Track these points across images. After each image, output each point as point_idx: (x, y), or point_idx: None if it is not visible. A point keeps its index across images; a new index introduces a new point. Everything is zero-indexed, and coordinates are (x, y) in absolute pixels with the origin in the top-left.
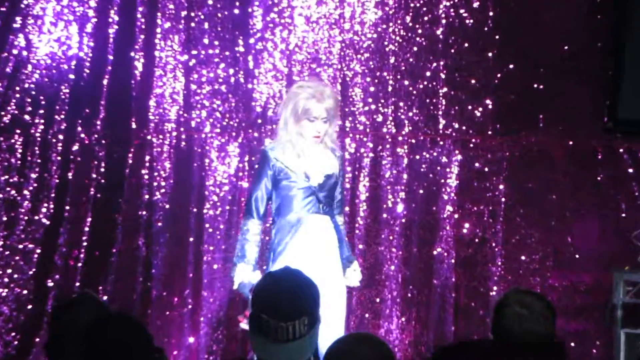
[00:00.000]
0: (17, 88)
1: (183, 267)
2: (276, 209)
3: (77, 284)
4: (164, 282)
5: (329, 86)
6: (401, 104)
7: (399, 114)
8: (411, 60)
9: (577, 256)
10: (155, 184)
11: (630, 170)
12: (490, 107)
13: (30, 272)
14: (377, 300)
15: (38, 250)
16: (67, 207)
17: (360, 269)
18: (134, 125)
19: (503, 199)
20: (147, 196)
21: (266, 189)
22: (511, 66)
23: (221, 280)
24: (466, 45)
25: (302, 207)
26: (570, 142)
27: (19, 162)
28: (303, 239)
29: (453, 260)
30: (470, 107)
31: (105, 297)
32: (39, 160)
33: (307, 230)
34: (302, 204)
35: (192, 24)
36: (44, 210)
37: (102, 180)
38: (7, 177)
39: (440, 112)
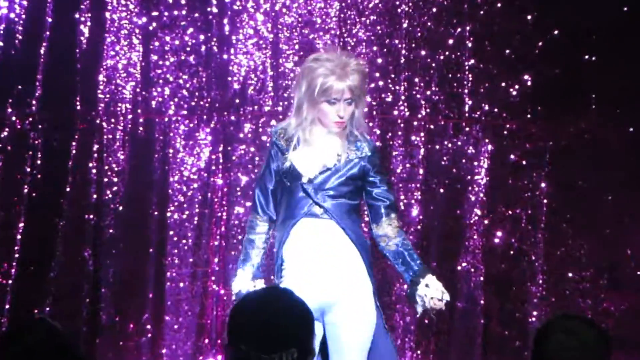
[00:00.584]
0: None
1: (141, 286)
2: (278, 208)
3: (7, 305)
4: (116, 304)
5: (353, 57)
6: (416, 79)
7: (414, 93)
8: (429, 24)
9: (638, 273)
10: (105, 180)
11: None
12: (529, 84)
13: None
14: (386, 327)
15: None
16: None
17: (436, 281)
18: (78, 106)
19: (545, 201)
20: (95, 196)
21: (268, 180)
22: (555, 32)
23: (189, 302)
24: (499, 5)
25: (295, 210)
26: (630, 129)
27: None
28: (293, 250)
29: (482, 278)
30: (503, 85)
31: None
32: None
33: (297, 238)
34: (296, 205)
35: None
36: None
37: (39, 175)
38: None
39: (465, 91)
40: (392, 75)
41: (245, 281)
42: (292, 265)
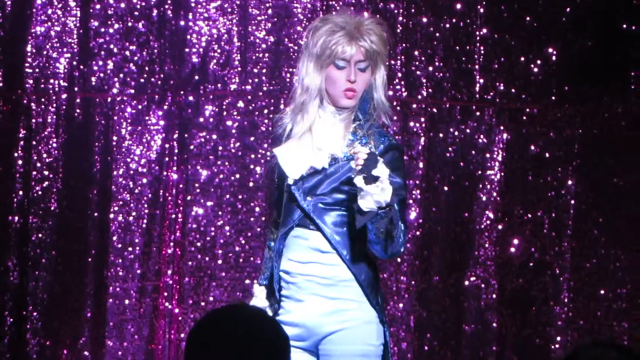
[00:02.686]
0: None
1: (77, 303)
2: None
3: None
4: (46, 325)
5: (371, 18)
6: (416, 53)
7: (413, 69)
8: None
9: None
10: (34, 173)
11: None
12: (554, 59)
13: None
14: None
15: None
16: None
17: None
18: (0, 83)
19: (573, 202)
20: (21, 192)
21: (278, 177)
22: None
23: (135, 323)
24: None
25: (286, 217)
26: None
27: None
28: (285, 267)
29: (495, 295)
30: (523, 59)
31: None
32: None
33: (290, 251)
34: (287, 212)
35: None
36: None
37: None
38: None
39: (477, 67)
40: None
41: (259, 297)
42: (284, 284)
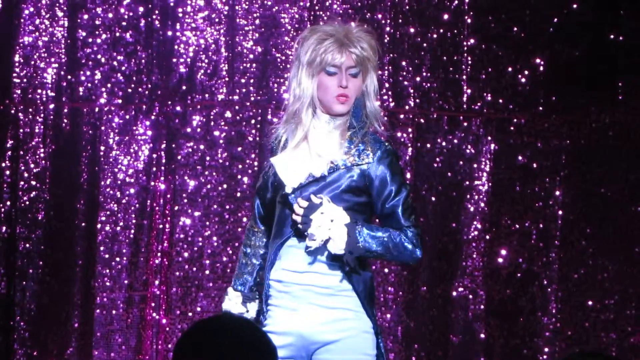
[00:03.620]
0: None
1: (64, 314)
2: None
3: None
4: (34, 335)
5: (360, 26)
6: (403, 63)
7: (400, 79)
8: None
9: None
10: (21, 183)
11: None
12: (541, 69)
13: None
14: None
15: None
16: None
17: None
18: None
19: (560, 212)
20: (8, 202)
21: (264, 188)
22: (575, 6)
23: (123, 333)
24: None
25: (282, 227)
26: None
27: None
28: (279, 277)
29: (482, 306)
30: (510, 70)
31: None
32: None
33: (284, 262)
34: (283, 221)
35: None
36: None
37: None
38: None
39: (464, 77)
40: None
41: (233, 302)
42: (275, 293)
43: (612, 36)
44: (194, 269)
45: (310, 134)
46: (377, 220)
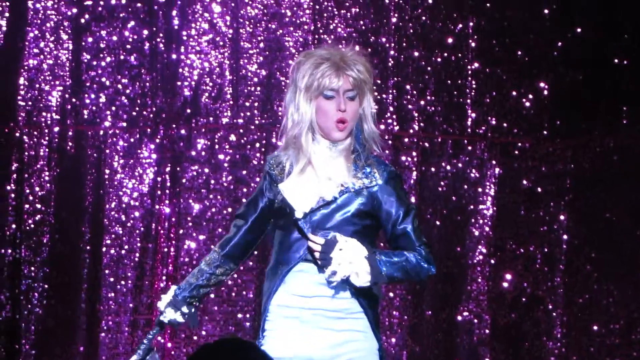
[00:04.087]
0: None
1: (69, 337)
2: (272, 250)
3: None
4: (39, 358)
5: (353, 49)
6: (408, 87)
7: (405, 103)
8: (423, 18)
9: None
10: (26, 206)
11: None
12: (545, 92)
13: None
14: None
15: None
16: None
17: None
18: None
19: (565, 237)
20: (13, 226)
21: (250, 214)
22: (579, 30)
23: (128, 357)
24: None
25: (289, 253)
26: None
27: None
28: (283, 301)
29: (488, 331)
30: (514, 93)
31: None
32: None
33: (291, 287)
34: (290, 247)
35: None
36: None
37: None
38: None
39: (468, 101)
40: (378, 81)
41: (169, 303)
42: (278, 319)
43: (616, 60)
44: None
45: (313, 158)
46: (382, 244)
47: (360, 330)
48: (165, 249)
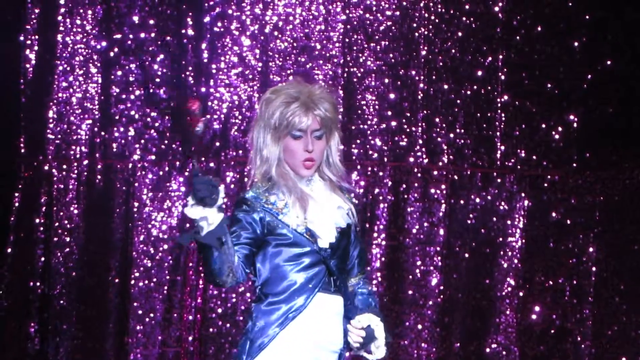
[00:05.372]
0: None
1: None
2: (263, 283)
3: None
4: None
5: (318, 85)
6: (437, 119)
7: (434, 135)
8: (453, 51)
9: None
10: (55, 239)
11: None
12: (575, 125)
13: None
14: None
15: None
16: None
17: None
18: (22, 149)
19: (594, 269)
20: (43, 258)
21: (243, 250)
22: (608, 62)
23: None
24: (539, 29)
25: (304, 283)
26: None
27: None
28: (302, 332)
29: None
30: (544, 126)
31: None
32: None
33: (310, 318)
34: (304, 277)
35: None
36: None
37: None
38: None
39: (497, 133)
40: (408, 114)
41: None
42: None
43: None
44: (228, 325)
45: (307, 190)
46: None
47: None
48: (194, 282)
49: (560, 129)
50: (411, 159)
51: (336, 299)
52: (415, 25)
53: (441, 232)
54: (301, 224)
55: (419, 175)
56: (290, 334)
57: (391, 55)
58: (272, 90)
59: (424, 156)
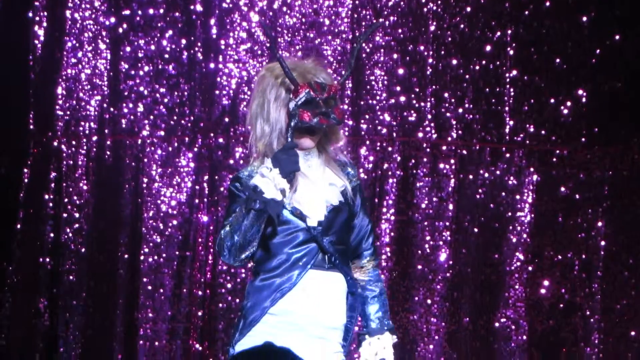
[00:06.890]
0: None
1: (108, 345)
2: (258, 260)
3: None
4: None
5: (314, 60)
6: (446, 95)
7: (443, 111)
8: (462, 26)
9: None
10: (64, 215)
11: None
12: (584, 100)
13: None
14: None
15: None
16: None
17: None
18: (31, 125)
19: (603, 243)
20: (52, 234)
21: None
22: (617, 37)
23: None
24: (547, 4)
25: (295, 259)
26: None
27: None
28: (294, 307)
29: (525, 337)
30: (552, 101)
31: None
32: None
33: (302, 294)
34: (295, 254)
35: None
36: None
37: None
38: None
39: (506, 109)
40: (417, 89)
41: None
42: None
43: None
44: (237, 300)
45: (301, 162)
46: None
47: (340, 342)
48: (203, 258)
49: (569, 104)
50: (420, 134)
51: (332, 276)
52: (423, 0)
53: (450, 207)
54: (290, 203)
55: (428, 150)
56: (280, 310)
57: (400, 30)
58: (266, 67)
59: (433, 131)
